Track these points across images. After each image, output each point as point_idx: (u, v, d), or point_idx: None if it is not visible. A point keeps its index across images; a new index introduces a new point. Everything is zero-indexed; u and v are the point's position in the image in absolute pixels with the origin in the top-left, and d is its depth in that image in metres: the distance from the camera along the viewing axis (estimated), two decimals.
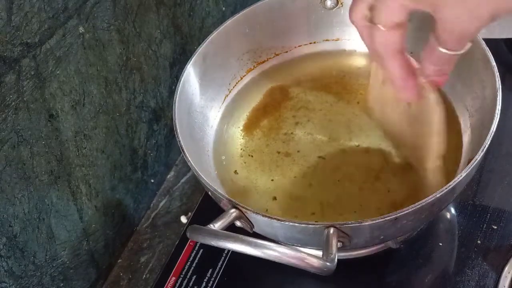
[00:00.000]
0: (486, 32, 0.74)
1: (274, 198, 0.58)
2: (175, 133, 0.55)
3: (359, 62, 0.69)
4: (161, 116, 0.71)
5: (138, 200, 0.70)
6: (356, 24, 0.48)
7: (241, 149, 0.63)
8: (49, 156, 0.53)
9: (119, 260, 0.68)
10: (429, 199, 0.46)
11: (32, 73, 0.48)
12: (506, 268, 0.57)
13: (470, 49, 0.58)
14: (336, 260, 0.44)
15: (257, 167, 0.61)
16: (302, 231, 0.48)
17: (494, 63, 0.55)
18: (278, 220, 0.47)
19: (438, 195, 0.46)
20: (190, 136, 0.59)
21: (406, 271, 0.59)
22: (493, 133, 0.49)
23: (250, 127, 0.65)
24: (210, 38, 0.63)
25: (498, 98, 0.52)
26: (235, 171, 0.61)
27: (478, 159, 0.48)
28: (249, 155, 0.62)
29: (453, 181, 0.47)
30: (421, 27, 0.64)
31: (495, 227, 0.60)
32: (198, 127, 0.62)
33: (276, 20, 0.68)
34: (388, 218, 0.46)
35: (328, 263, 0.43)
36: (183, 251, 0.64)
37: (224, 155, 0.62)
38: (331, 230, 0.46)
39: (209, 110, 0.65)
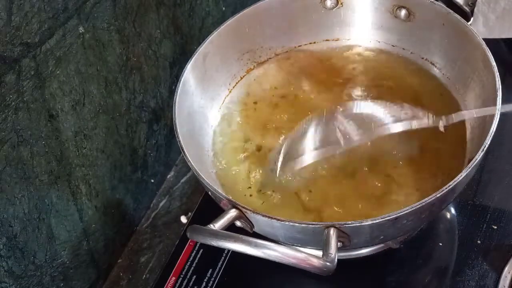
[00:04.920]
0: (486, 32, 0.74)
1: (274, 198, 0.58)
2: (175, 133, 0.55)
3: (359, 62, 0.69)
4: (161, 116, 0.71)
5: (138, 200, 0.70)
6: None
7: (241, 149, 0.63)
8: (49, 156, 0.53)
9: (119, 260, 0.68)
10: (429, 199, 0.46)
11: (32, 73, 0.48)
12: (506, 268, 0.57)
13: (470, 49, 0.58)
14: (336, 260, 0.44)
15: (258, 167, 0.61)
16: (302, 231, 0.48)
17: (494, 63, 0.55)
18: (278, 220, 0.47)
19: (438, 195, 0.46)
20: (190, 136, 0.59)
21: (406, 271, 0.59)
22: (493, 133, 0.49)
23: (250, 126, 0.65)
24: (210, 38, 0.63)
25: (498, 98, 0.52)
26: (236, 171, 0.61)
27: (478, 159, 0.48)
28: (249, 155, 0.62)
29: (453, 181, 0.47)
30: (421, 27, 0.65)
31: (495, 227, 0.60)
32: (198, 127, 0.62)
33: (276, 20, 0.68)
34: (388, 218, 0.46)
35: (328, 263, 0.43)
36: (183, 251, 0.64)
37: (224, 155, 0.62)
38: (331, 230, 0.46)
39: (209, 110, 0.65)
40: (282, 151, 0.59)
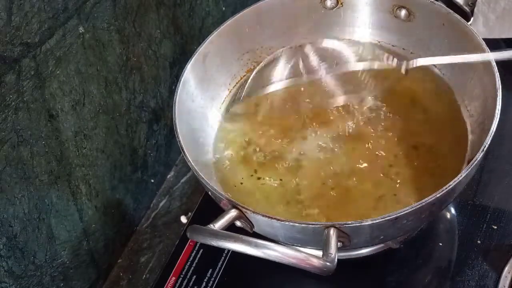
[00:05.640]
0: (486, 32, 0.74)
1: (274, 197, 0.58)
2: (175, 133, 0.55)
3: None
4: (161, 116, 0.71)
5: (138, 200, 0.70)
6: None
7: (242, 148, 0.63)
8: (49, 156, 0.53)
9: (119, 260, 0.68)
10: (429, 199, 0.46)
11: (32, 73, 0.48)
12: (506, 268, 0.57)
13: (470, 49, 0.58)
14: (336, 260, 0.44)
15: (258, 167, 0.61)
16: (302, 231, 0.48)
17: (494, 63, 0.55)
18: (278, 220, 0.47)
19: (438, 195, 0.46)
20: (190, 136, 0.59)
21: (406, 271, 0.59)
22: (493, 133, 0.49)
23: (250, 127, 0.65)
24: (210, 38, 0.63)
25: (498, 98, 0.52)
26: (236, 170, 0.61)
27: (478, 159, 0.48)
28: (249, 155, 0.62)
29: (453, 181, 0.47)
30: (421, 27, 0.65)
31: (495, 227, 0.60)
32: (198, 127, 0.62)
33: (276, 20, 0.68)
34: (388, 218, 0.46)
35: (328, 263, 0.43)
36: (183, 251, 0.64)
37: (224, 155, 0.62)
38: (331, 230, 0.46)
39: (209, 110, 0.65)
40: (250, 77, 0.59)
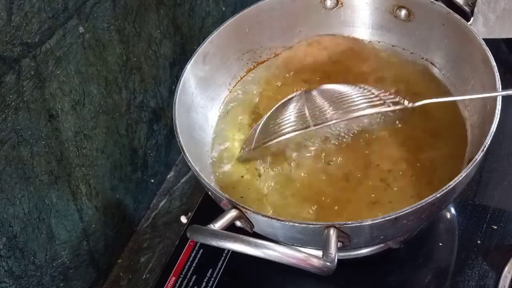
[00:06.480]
0: (486, 32, 0.74)
1: (272, 197, 0.58)
2: (175, 133, 0.55)
3: (359, 62, 0.69)
4: (161, 116, 0.71)
5: (138, 200, 0.70)
6: None
7: (241, 148, 0.63)
8: (49, 156, 0.53)
9: (119, 260, 0.68)
10: (429, 199, 0.46)
11: (32, 73, 0.48)
12: (506, 268, 0.57)
13: (470, 49, 0.58)
14: (336, 260, 0.44)
15: (258, 167, 0.61)
16: (302, 231, 0.48)
17: (494, 63, 0.54)
18: (278, 220, 0.47)
19: (438, 195, 0.46)
20: (190, 136, 0.59)
21: (406, 271, 0.59)
22: (493, 133, 0.49)
23: (250, 127, 0.65)
24: (210, 38, 0.63)
25: (498, 98, 0.52)
26: (236, 170, 0.61)
27: (478, 159, 0.48)
28: (249, 155, 0.62)
29: (453, 181, 0.47)
30: (421, 27, 0.65)
31: (495, 227, 0.60)
32: (198, 127, 0.62)
33: (276, 20, 0.68)
34: (388, 218, 0.46)
35: (328, 263, 0.43)
36: (183, 251, 0.64)
37: (224, 155, 0.62)
38: (331, 230, 0.46)
39: (209, 110, 0.65)
40: (259, 127, 0.59)
